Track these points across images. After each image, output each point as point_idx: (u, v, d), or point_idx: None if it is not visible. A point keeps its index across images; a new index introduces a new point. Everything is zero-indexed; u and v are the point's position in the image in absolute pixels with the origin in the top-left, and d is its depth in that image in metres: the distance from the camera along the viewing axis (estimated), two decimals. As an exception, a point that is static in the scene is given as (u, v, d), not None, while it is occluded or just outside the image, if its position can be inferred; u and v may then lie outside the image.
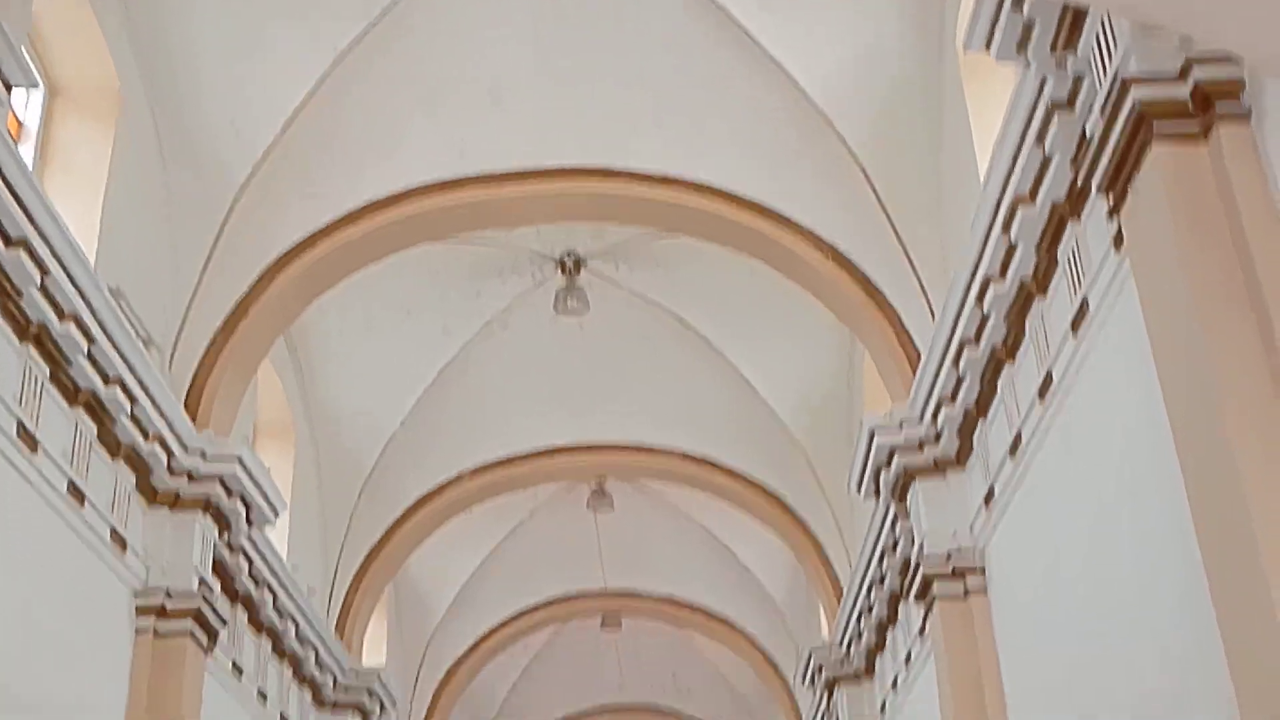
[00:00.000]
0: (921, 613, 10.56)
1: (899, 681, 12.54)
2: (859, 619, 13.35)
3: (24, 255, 7.29)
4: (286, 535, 13.25)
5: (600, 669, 23.30)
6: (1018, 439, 8.52)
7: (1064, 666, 7.99)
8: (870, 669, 13.94)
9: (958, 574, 9.71)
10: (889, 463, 10.32)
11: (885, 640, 13.07)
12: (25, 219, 7.20)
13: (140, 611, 9.40)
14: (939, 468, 10.04)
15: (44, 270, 7.52)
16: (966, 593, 9.69)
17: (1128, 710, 6.93)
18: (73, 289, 7.80)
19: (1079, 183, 6.76)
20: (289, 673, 13.00)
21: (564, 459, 16.22)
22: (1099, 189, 6.23)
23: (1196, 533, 5.52)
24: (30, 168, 7.73)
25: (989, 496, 9.28)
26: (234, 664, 11.35)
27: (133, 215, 9.75)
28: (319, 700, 13.94)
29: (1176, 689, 6.25)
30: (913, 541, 10.43)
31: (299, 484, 13.84)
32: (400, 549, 15.48)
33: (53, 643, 8.15)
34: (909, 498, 10.36)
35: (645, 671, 23.42)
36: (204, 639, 9.81)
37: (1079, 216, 7.11)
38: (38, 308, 7.63)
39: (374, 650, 16.49)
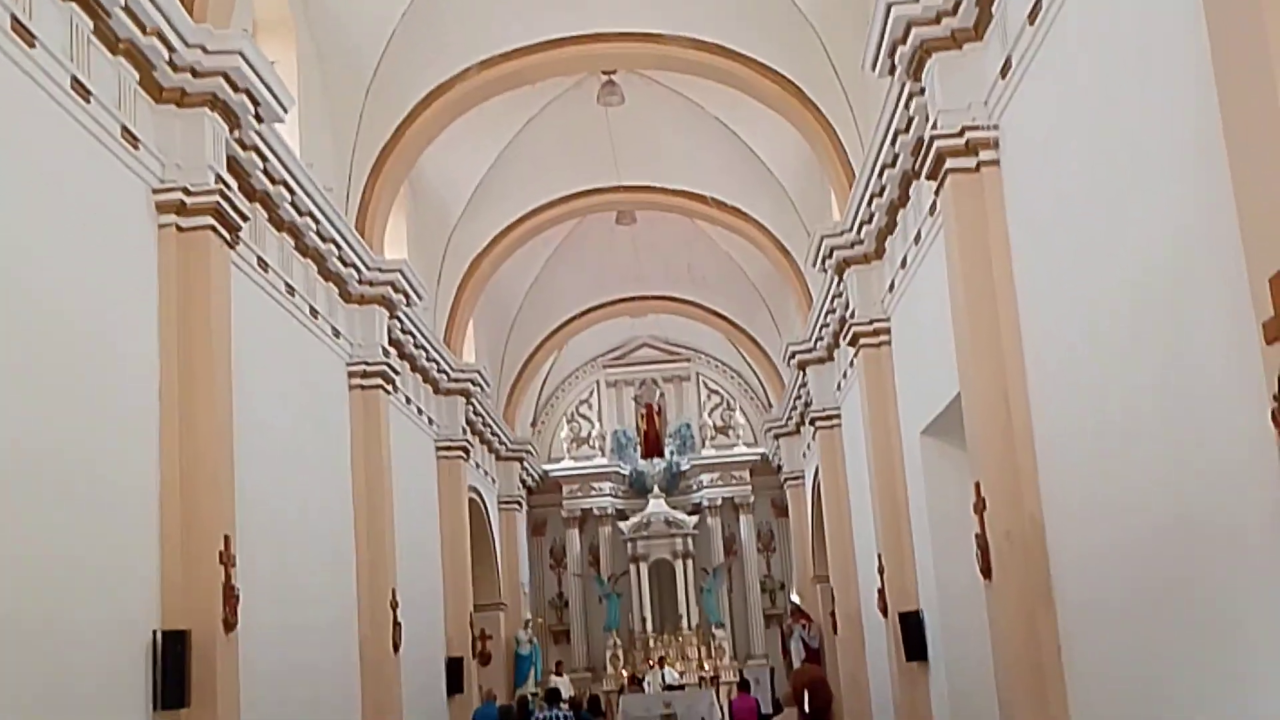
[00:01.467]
0: (933, 191, 10.64)
1: (909, 260, 12.83)
2: (870, 202, 13.47)
3: None
4: (298, 135, 13.23)
5: (618, 263, 23.89)
6: (1037, 4, 8.23)
7: (1073, 238, 8.11)
8: (880, 251, 14.23)
9: (971, 148, 9.66)
10: (905, 37, 10.03)
11: (896, 222, 13.25)
12: None
13: (160, 209, 9.53)
14: (956, 40, 9.76)
15: None
16: (979, 166, 9.70)
17: (1132, 283, 7.09)
18: None
19: None
20: (314, 268, 13.37)
21: (571, 50, 15.79)
22: None
23: (1219, 97, 5.40)
24: None
25: (1005, 68, 9.07)
26: (259, 260, 11.65)
27: None
28: (345, 295, 14.42)
29: (1184, 261, 6.36)
30: (927, 119, 10.32)
31: (304, 83, 13.64)
32: (413, 145, 15.47)
33: (77, 245, 8.32)
34: (925, 73, 10.14)
35: (661, 264, 24.01)
36: (226, 234, 10.00)
37: None
38: (7, -110, 7.25)
39: (395, 247, 16.85)
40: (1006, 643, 9.29)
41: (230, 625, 9.45)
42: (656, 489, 27.87)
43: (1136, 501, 7.24)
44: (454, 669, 18.77)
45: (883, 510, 14.55)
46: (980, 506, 9.68)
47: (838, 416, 18.32)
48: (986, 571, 9.65)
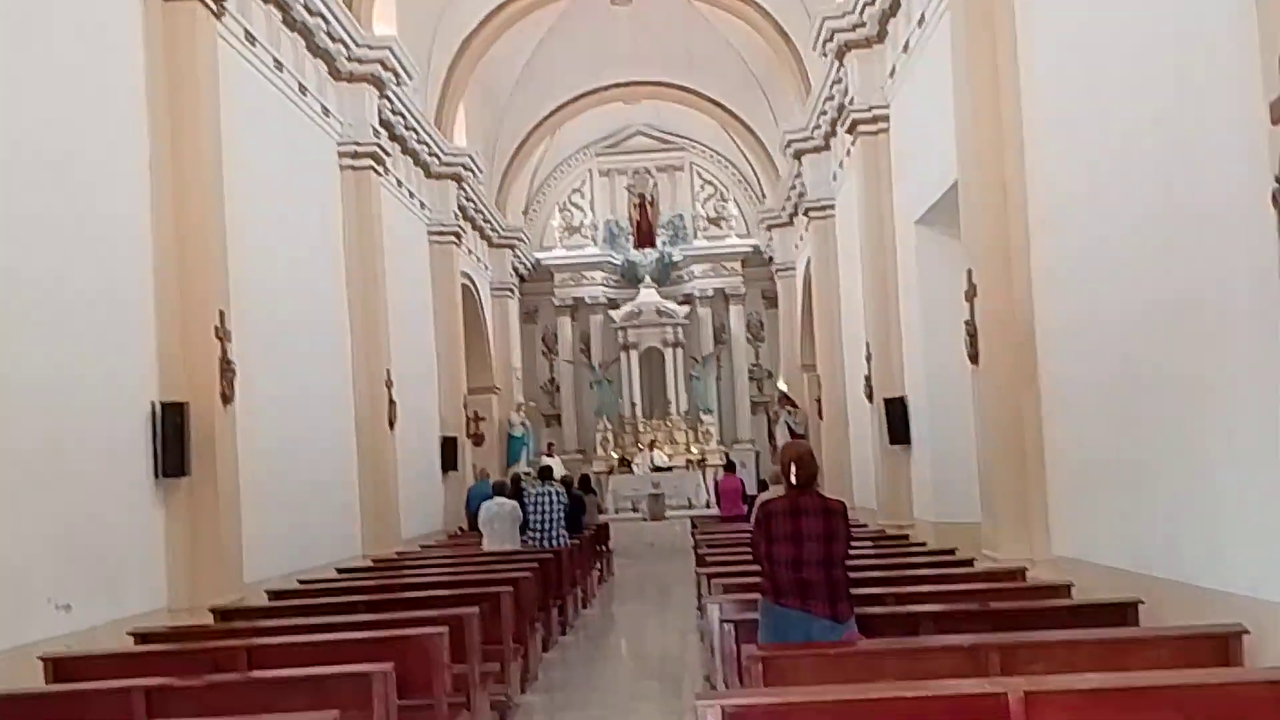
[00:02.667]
0: (939, -31, 10.35)
1: (910, 44, 12.55)
2: (875, -20, 13.11)
3: None
4: (279, -99, 12.70)
5: (612, 46, 23.24)
6: None
7: (1079, 18, 7.93)
8: (882, 34, 13.90)
9: (980, -78, 9.36)
10: None
11: (899, 2, 12.92)
12: None
13: (143, -21, 9.25)
14: None
15: None
16: (987, -58, 9.42)
17: (1137, 64, 6.93)
18: None
19: None
20: (302, 44, 13.02)
21: None
22: None
23: None
24: None
25: None
26: (246, 33, 11.33)
27: None
28: (334, 72, 14.10)
29: (1190, 41, 6.20)
30: (936, -108, 9.96)
31: None
32: (399, -87, 14.86)
33: (60, 17, 8.08)
34: None
35: (657, 47, 23.39)
36: (211, 2, 9.72)
37: None
38: None
39: (384, 25, 16.36)
40: (990, 425, 9.52)
41: (228, 398, 9.62)
42: (648, 279, 27.94)
43: (1127, 284, 7.29)
44: (448, 448, 19.24)
45: (873, 299, 14.67)
46: (971, 293, 9.76)
47: (832, 207, 18.26)
48: (974, 357, 9.81)
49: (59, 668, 6.30)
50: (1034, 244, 9.17)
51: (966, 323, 9.86)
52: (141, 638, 7.35)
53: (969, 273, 9.83)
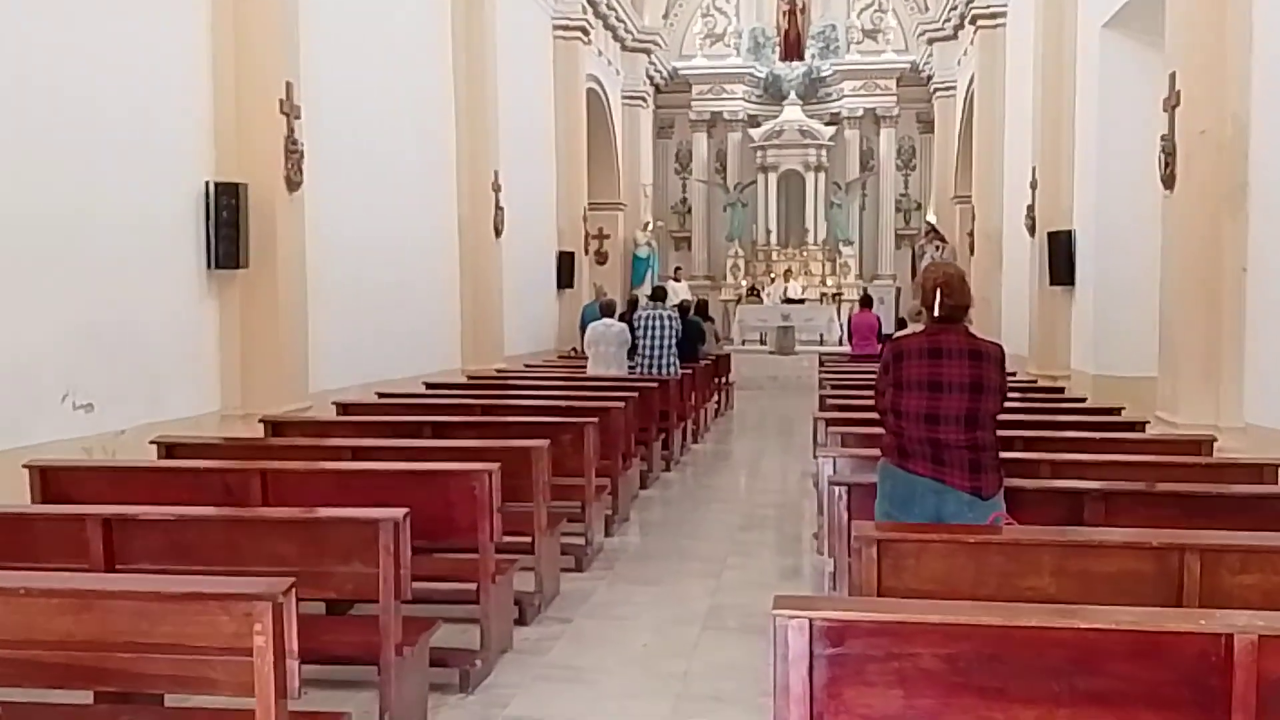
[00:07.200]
0: None
1: None
2: None
3: None
4: None
5: None
6: None
7: None
8: None
9: None
10: None
11: None
12: None
13: None
14: None
15: None
16: None
17: None
18: None
19: None
20: None
21: None
22: None
23: None
24: None
25: None
26: None
27: None
28: None
29: None
30: None
31: None
32: None
33: None
34: None
35: None
36: None
37: None
38: None
39: None
40: (1181, 262, 7.91)
41: (294, 183, 8.53)
42: (793, 95, 25.86)
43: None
44: (565, 264, 18.12)
45: (1044, 118, 12.83)
46: (1173, 102, 8.01)
47: (1004, 14, 16.20)
48: (1169, 180, 8.12)
49: (48, 479, 5.37)
50: (1257, 40, 7.37)
51: (1164, 138, 8.14)
52: (167, 449, 6.42)
53: (1172, 77, 8.07)
